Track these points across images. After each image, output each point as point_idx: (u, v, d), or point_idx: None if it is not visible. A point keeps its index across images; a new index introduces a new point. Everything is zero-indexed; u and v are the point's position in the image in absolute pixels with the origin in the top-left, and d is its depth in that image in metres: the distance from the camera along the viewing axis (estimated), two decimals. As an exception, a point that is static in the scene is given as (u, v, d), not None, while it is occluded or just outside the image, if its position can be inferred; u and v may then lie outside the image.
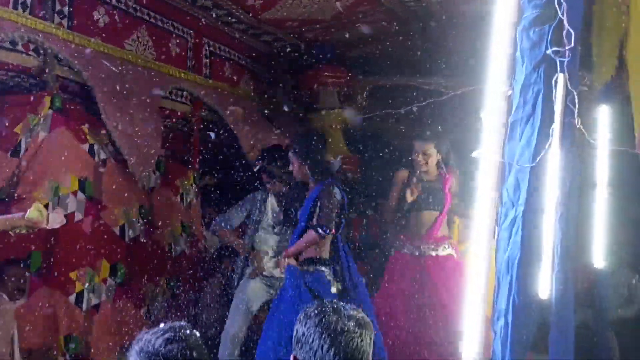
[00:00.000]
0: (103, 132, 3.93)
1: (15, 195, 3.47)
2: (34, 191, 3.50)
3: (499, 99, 2.26)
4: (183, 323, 1.74)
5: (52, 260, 3.55)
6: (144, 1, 4.37)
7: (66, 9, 3.80)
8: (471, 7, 4.33)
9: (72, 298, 3.63)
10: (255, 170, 4.35)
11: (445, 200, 4.28)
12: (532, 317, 2.23)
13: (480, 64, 2.33)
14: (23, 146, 3.57)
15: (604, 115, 3.65)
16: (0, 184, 3.47)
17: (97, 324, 3.76)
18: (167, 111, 4.66)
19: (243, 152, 4.98)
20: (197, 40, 4.98)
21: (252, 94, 5.67)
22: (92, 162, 3.86)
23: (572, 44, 2.12)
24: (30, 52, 3.61)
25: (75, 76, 3.83)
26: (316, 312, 1.75)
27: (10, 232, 3.05)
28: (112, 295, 3.92)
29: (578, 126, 2.20)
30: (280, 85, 5.86)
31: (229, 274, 4.73)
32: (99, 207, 3.87)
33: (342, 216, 3.78)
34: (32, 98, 3.65)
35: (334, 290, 3.68)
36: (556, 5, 2.13)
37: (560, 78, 2.13)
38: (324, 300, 1.83)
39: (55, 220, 3.16)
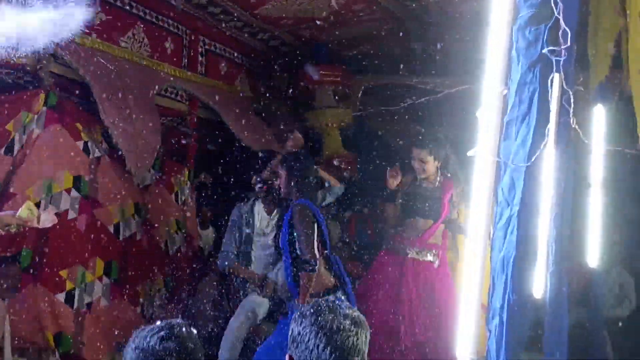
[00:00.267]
0: (98, 129, 3.91)
1: (10, 191, 3.45)
2: (27, 189, 3.48)
3: (494, 98, 2.26)
4: (179, 320, 1.74)
5: (43, 258, 3.53)
6: (140, -1, 4.36)
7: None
8: (467, 6, 4.33)
9: (62, 296, 3.60)
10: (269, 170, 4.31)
11: (442, 210, 4.24)
12: (527, 315, 2.24)
13: (476, 63, 2.33)
14: (17, 143, 3.55)
15: (599, 115, 3.66)
16: (-7, 181, 3.46)
17: (90, 323, 3.73)
18: (163, 109, 4.64)
19: (237, 153, 4.96)
20: (192, 38, 4.96)
21: (248, 92, 5.65)
22: (86, 160, 3.84)
23: (568, 44, 2.12)
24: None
25: (70, 73, 3.81)
26: (312, 311, 1.75)
27: (0, 230, 3.03)
28: (107, 293, 3.90)
29: (573, 126, 2.20)
30: (276, 83, 5.85)
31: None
32: (94, 205, 3.85)
33: (323, 235, 3.76)
34: (26, 95, 3.63)
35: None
36: (552, 5, 2.13)
37: (556, 77, 2.14)
38: (319, 299, 1.83)
39: (47, 219, 3.14)
